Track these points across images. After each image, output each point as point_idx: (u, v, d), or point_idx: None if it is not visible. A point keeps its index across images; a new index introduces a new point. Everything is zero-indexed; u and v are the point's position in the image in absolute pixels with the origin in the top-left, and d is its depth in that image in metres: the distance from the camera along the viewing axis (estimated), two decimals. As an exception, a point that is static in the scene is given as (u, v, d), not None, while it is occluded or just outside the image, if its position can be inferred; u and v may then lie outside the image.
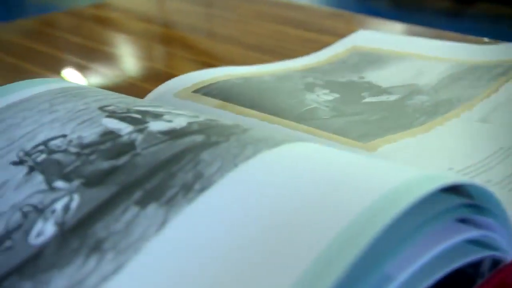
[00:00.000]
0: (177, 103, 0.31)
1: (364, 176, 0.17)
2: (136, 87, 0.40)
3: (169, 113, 0.23)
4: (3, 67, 0.45)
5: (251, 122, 0.29)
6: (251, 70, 0.37)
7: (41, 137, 0.23)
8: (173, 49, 0.48)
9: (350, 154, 0.20)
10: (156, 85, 0.33)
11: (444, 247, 0.17)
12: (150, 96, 0.32)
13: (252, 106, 0.30)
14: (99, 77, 0.43)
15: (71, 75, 0.43)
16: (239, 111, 0.30)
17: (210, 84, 0.33)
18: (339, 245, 0.15)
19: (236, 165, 0.19)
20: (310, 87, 0.34)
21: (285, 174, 0.18)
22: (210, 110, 0.30)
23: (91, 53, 0.47)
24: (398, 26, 0.51)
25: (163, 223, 0.17)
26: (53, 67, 0.44)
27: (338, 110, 0.32)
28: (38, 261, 0.18)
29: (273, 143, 0.20)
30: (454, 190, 0.18)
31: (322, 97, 0.33)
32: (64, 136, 0.22)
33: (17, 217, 0.20)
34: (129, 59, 0.46)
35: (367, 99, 0.34)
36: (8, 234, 0.19)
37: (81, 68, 0.44)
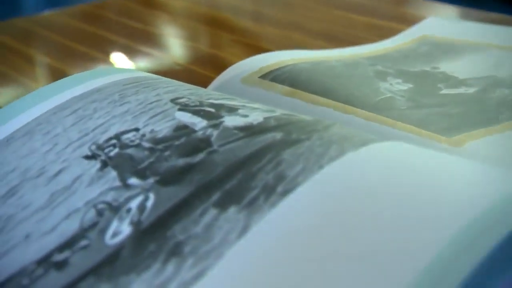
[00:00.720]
0: (245, 90, 0.30)
1: (470, 181, 0.16)
2: (189, 71, 0.39)
3: (243, 106, 0.22)
4: (60, 49, 0.45)
5: (323, 112, 0.28)
6: (317, 55, 0.35)
7: (113, 130, 0.22)
8: (228, 33, 0.47)
9: (446, 156, 0.18)
10: (208, 69, 0.32)
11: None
12: (217, 82, 0.31)
13: (323, 94, 0.29)
14: (151, 60, 0.42)
15: (123, 58, 0.43)
16: (310, 99, 0.29)
17: (278, 68, 0.31)
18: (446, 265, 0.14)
19: (321, 167, 0.18)
20: (381, 76, 0.33)
21: (377, 177, 0.17)
22: (279, 98, 0.29)
23: (142, 36, 0.47)
24: (472, 13, 0.48)
25: (245, 228, 0.16)
26: (107, 50, 0.44)
27: (414, 101, 0.30)
28: (115, 263, 0.17)
29: (359, 143, 0.19)
30: None
31: (395, 86, 0.32)
32: (136, 129, 0.22)
33: (91, 214, 0.19)
34: (180, 42, 0.46)
35: (444, 91, 0.32)
36: (83, 232, 0.18)
37: (133, 52, 0.44)
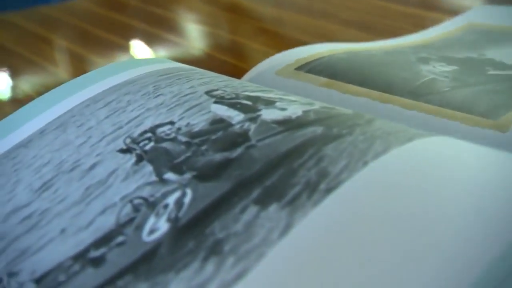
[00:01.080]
0: (279, 82, 0.29)
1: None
2: (214, 60, 0.39)
3: (280, 99, 0.22)
4: (85, 36, 0.44)
5: (360, 102, 0.27)
6: (356, 46, 0.34)
7: (147, 124, 0.21)
8: (254, 21, 0.46)
9: (494, 151, 0.17)
10: (233, 57, 0.31)
11: None
12: (250, 74, 0.31)
13: (361, 83, 0.28)
14: (175, 48, 0.42)
15: (147, 45, 0.43)
16: (347, 89, 0.28)
17: (314, 60, 0.31)
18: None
19: (365, 163, 0.17)
20: (423, 60, 0.32)
21: (424, 174, 0.16)
22: (315, 89, 0.28)
23: (166, 23, 0.46)
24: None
25: (287, 227, 0.16)
26: (131, 36, 0.44)
27: (459, 80, 0.28)
28: (153, 261, 0.17)
29: (404, 138, 0.18)
30: None
31: (438, 68, 0.30)
32: (172, 123, 0.21)
33: (128, 210, 0.19)
34: (204, 29, 0.45)
35: (492, 72, 0.30)
36: (120, 228, 0.18)
37: (158, 39, 0.43)
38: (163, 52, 0.42)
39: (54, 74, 0.41)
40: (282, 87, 0.28)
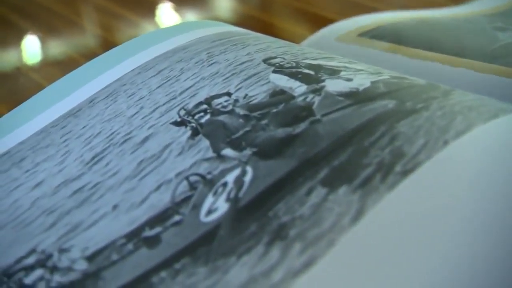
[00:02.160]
0: (340, 48, 0.27)
1: None
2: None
3: (345, 68, 0.20)
4: (104, 13, 0.43)
5: (429, 67, 0.25)
6: (423, 14, 0.32)
7: (202, 94, 0.20)
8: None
9: None
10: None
11: None
12: (309, 41, 0.29)
13: (429, 47, 0.26)
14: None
15: (169, 20, 0.41)
16: (414, 53, 0.26)
17: (378, 27, 0.29)
18: None
19: (446, 143, 0.15)
20: (501, 29, 0.29)
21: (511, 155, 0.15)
22: (379, 55, 0.26)
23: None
24: None
25: (359, 213, 0.14)
26: (152, 12, 0.42)
27: None
28: (212, 243, 0.16)
29: (489, 114, 0.16)
30: None
31: None
32: (228, 94, 0.20)
33: (184, 187, 0.17)
34: (231, 5, 0.43)
35: None
36: (176, 207, 0.17)
37: (180, 14, 0.42)
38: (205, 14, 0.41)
39: (97, 35, 0.41)
40: (344, 53, 0.26)
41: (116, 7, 0.43)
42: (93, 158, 0.20)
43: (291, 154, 0.17)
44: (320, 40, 0.28)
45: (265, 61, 0.21)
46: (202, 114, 0.19)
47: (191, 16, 0.43)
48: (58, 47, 0.40)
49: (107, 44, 0.40)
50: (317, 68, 0.20)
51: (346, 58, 0.21)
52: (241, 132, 0.18)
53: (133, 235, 0.17)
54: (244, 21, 0.40)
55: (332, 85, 0.19)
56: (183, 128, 0.19)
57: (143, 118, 0.20)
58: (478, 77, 0.23)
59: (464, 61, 0.24)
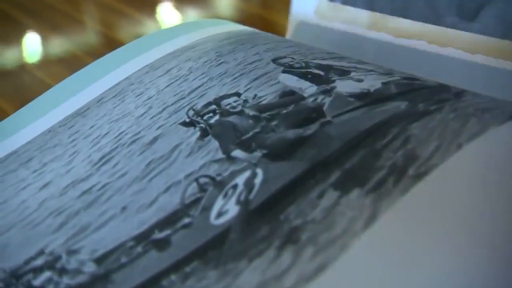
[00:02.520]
0: (321, 27, 0.25)
1: None
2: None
3: (355, 68, 0.20)
4: (107, 11, 0.43)
5: (415, 45, 0.23)
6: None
7: (211, 95, 0.20)
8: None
9: None
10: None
11: None
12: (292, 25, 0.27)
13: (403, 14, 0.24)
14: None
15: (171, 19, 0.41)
16: (397, 31, 0.24)
17: None
18: None
19: (460, 146, 0.15)
20: None
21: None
22: (363, 38, 0.25)
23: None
24: None
25: (372, 217, 0.14)
26: (155, 10, 0.42)
27: None
28: (223, 246, 0.15)
29: (503, 115, 0.16)
30: None
31: None
32: (237, 94, 0.20)
33: (193, 189, 0.17)
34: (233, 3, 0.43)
35: None
36: (185, 209, 0.17)
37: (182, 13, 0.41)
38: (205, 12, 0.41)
39: (100, 33, 0.40)
40: (328, 39, 0.24)
41: (119, 4, 0.43)
42: (101, 158, 0.20)
43: (301, 156, 0.17)
44: (304, 23, 0.27)
45: (274, 61, 0.21)
46: (211, 114, 0.19)
47: (194, 13, 0.43)
48: (62, 45, 0.40)
49: (110, 41, 0.39)
50: (327, 68, 0.20)
51: (355, 58, 0.21)
52: (250, 133, 0.18)
53: (143, 238, 0.17)
54: (246, 18, 0.39)
55: (343, 86, 0.19)
56: (192, 129, 0.19)
57: (151, 118, 0.20)
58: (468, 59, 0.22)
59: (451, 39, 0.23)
